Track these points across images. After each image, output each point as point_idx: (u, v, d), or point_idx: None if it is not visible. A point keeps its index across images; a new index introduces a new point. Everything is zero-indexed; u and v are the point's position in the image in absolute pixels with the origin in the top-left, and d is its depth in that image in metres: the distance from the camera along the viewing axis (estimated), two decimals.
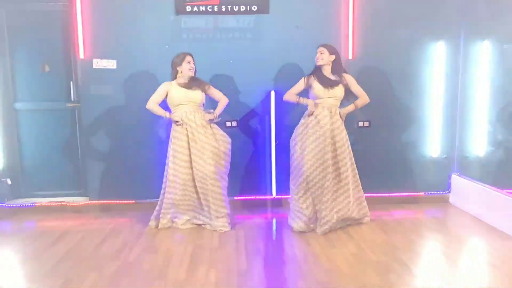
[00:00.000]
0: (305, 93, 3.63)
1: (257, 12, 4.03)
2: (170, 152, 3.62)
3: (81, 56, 3.97)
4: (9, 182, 4.20)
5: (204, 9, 4.01)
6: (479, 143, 4.05)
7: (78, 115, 4.15)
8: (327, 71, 3.56)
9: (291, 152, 3.62)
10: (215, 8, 4.01)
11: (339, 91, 3.53)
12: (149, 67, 4.03)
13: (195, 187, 3.59)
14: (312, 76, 3.57)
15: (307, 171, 3.45)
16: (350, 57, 4.08)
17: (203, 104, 3.68)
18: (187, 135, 3.55)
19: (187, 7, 4.00)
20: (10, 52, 4.11)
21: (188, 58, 3.58)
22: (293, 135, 3.63)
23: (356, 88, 3.62)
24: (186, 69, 3.57)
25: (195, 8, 4.01)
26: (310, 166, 3.45)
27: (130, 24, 3.98)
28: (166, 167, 3.66)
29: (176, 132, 3.59)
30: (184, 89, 3.58)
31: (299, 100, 3.56)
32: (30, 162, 4.25)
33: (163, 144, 4.11)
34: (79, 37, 3.94)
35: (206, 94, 3.68)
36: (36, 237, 3.51)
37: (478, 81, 3.98)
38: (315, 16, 4.06)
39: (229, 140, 3.69)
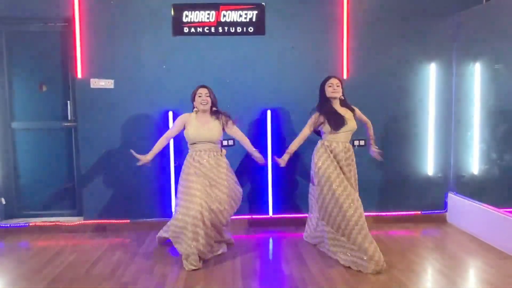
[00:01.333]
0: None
1: (253, 33, 4.10)
2: (181, 191, 3.37)
3: (79, 75, 4.01)
4: (3, 201, 4.16)
5: (201, 30, 4.08)
6: (473, 162, 4.07)
7: (75, 135, 4.16)
8: (337, 104, 3.48)
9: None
10: (212, 29, 4.08)
11: (353, 124, 3.46)
12: (147, 87, 4.07)
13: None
14: (321, 114, 3.44)
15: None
16: (344, 76, 4.14)
17: (220, 141, 3.53)
18: (201, 175, 3.34)
19: (185, 28, 4.07)
20: (9, 71, 4.14)
21: (200, 91, 3.41)
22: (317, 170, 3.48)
23: (363, 117, 3.64)
24: (198, 104, 3.42)
25: (193, 29, 4.07)
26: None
27: (127, 45, 4.03)
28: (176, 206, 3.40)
29: (187, 175, 3.38)
30: (198, 125, 3.40)
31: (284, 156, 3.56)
32: (25, 182, 4.22)
33: (159, 164, 4.12)
34: (77, 56, 3.98)
35: (224, 131, 3.51)
36: (29, 258, 3.46)
37: (471, 101, 4.03)
38: (310, 37, 4.14)
39: (241, 190, 3.58)
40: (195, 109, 3.49)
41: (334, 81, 3.43)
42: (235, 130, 3.56)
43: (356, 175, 3.56)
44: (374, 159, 4.06)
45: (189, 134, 3.41)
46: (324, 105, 3.46)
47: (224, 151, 3.59)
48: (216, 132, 3.43)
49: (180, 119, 3.49)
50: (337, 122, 3.38)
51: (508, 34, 3.68)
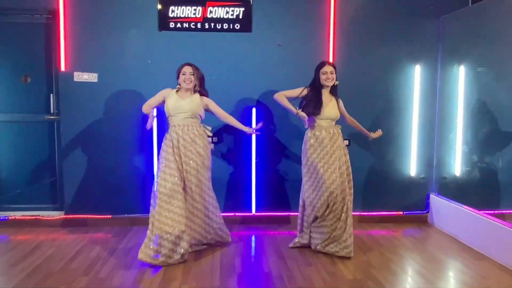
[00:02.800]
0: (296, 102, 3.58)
1: (240, 30, 4.09)
2: (158, 170, 3.33)
3: (62, 68, 3.96)
4: None
5: (187, 26, 4.05)
6: (456, 164, 4.10)
7: (57, 128, 4.11)
8: (326, 92, 3.48)
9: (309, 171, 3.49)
10: (198, 25, 4.06)
11: (334, 112, 3.47)
12: (131, 82, 4.04)
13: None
14: (309, 91, 3.46)
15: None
16: None
17: (201, 117, 3.45)
18: (173, 151, 3.30)
19: (171, 23, 4.04)
20: None
21: (185, 69, 3.35)
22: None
23: (345, 113, 3.63)
24: (181, 82, 3.36)
25: (178, 25, 4.05)
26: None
27: (112, 38, 4.00)
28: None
29: (164, 145, 3.35)
30: (178, 98, 3.35)
31: (298, 112, 3.40)
32: (6, 175, 4.17)
33: (142, 159, 4.10)
34: (60, 49, 3.94)
35: (207, 110, 3.49)
36: (7, 251, 3.42)
37: (455, 102, 4.06)
38: (297, 35, 4.13)
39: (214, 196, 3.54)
40: (177, 86, 3.42)
41: (328, 68, 3.41)
42: (217, 109, 3.50)
43: (348, 163, 3.55)
44: (357, 159, 4.09)
45: (168, 106, 3.33)
46: (313, 89, 3.46)
47: (211, 145, 3.56)
48: (195, 104, 3.34)
49: (161, 92, 3.43)
50: (313, 108, 3.39)
51: (492, 37, 3.71)
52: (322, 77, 3.42)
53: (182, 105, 3.32)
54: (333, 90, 3.52)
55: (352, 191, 3.55)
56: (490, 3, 3.67)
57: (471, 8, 4.07)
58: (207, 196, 3.42)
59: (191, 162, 3.32)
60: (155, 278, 2.94)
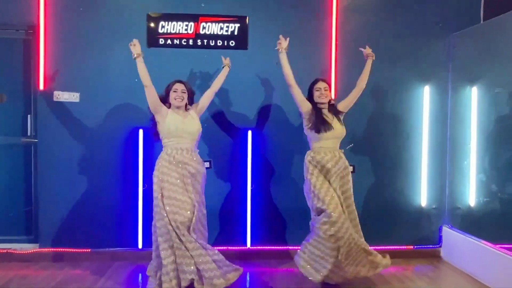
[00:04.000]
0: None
1: (235, 47, 3.81)
2: (159, 193, 2.97)
3: (41, 87, 3.66)
4: None
5: (178, 43, 3.77)
6: (470, 193, 3.75)
7: (34, 152, 3.77)
8: (324, 109, 3.23)
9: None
10: (190, 42, 3.78)
11: (340, 130, 3.21)
12: (116, 102, 3.74)
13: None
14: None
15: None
16: (332, 95, 3.81)
17: (198, 141, 3.20)
18: (182, 178, 2.99)
19: (160, 39, 3.76)
20: None
21: (176, 86, 3.12)
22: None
23: (350, 95, 3.36)
24: (172, 99, 3.09)
25: (169, 41, 3.77)
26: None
27: (96, 55, 3.71)
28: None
29: (165, 175, 2.98)
30: (179, 117, 3.07)
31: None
32: None
33: (126, 187, 3.75)
34: (40, 67, 3.64)
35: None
36: None
37: (468, 126, 3.75)
38: (296, 54, 3.82)
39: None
40: (167, 105, 3.13)
41: (321, 84, 3.22)
42: (205, 99, 3.30)
43: (351, 191, 3.25)
44: (363, 187, 3.79)
45: (170, 124, 3.00)
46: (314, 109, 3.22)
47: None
48: (197, 123, 3.12)
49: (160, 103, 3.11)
50: (320, 124, 3.12)
51: (506, 55, 3.43)
52: (316, 93, 3.22)
53: (188, 126, 3.05)
54: (331, 108, 3.27)
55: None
56: (503, 19, 3.41)
57: (483, 25, 3.83)
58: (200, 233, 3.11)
59: (196, 193, 3.05)
60: None
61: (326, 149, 3.16)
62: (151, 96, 3.07)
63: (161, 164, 3.01)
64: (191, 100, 3.24)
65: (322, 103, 3.20)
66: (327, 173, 3.13)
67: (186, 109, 3.18)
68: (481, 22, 3.90)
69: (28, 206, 3.82)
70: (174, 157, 3.00)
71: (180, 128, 3.02)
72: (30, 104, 3.78)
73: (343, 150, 3.27)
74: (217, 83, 3.34)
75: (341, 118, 3.29)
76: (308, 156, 3.21)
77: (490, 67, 3.65)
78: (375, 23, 3.91)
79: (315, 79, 3.28)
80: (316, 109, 3.21)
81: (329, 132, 3.13)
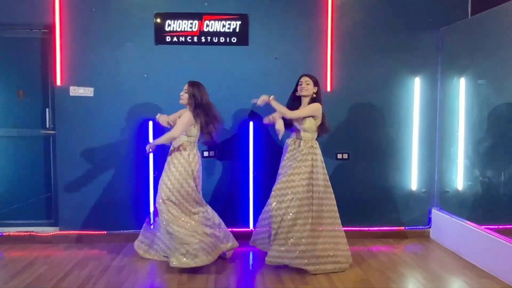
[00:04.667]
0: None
1: (237, 43, 4.05)
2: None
3: (58, 83, 3.94)
4: None
5: (183, 40, 4.03)
6: (458, 178, 4.00)
7: (53, 143, 4.07)
8: (304, 103, 3.49)
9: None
10: (195, 39, 4.04)
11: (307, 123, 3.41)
12: (127, 96, 4.00)
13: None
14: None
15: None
16: (328, 89, 4.09)
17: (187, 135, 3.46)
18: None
19: (167, 37, 4.02)
20: None
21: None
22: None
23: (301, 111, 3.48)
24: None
25: (175, 39, 4.02)
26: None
27: (109, 53, 3.98)
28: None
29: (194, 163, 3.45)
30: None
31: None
32: (1, 190, 4.12)
33: (138, 174, 4.04)
34: (56, 64, 3.92)
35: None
36: None
37: (456, 115, 3.98)
38: (294, 49, 4.09)
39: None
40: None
41: (303, 79, 3.46)
42: (179, 119, 3.44)
43: (293, 175, 3.36)
44: (357, 173, 4.02)
45: (196, 132, 3.48)
46: (288, 101, 3.56)
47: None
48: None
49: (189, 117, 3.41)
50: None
51: (492, 49, 3.65)
52: (298, 88, 3.49)
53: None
54: (314, 101, 3.47)
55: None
56: (490, 14, 3.62)
57: (470, 19, 4.03)
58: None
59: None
60: None
61: (293, 136, 3.52)
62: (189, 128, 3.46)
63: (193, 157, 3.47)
64: (192, 102, 3.40)
65: (304, 96, 3.45)
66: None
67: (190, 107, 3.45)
68: (469, 17, 4.09)
69: (47, 193, 4.14)
70: (197, 155, 3.52)
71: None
72: (48, 99, 4.07)
73: (314, 142, 3.45)
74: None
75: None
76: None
77: (477, 59, 3.85)
78: (368, 19, 4.12)
79: (300, 76, 3.52)
80: (293, 101, 3.53)
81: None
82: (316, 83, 3.47)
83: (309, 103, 3.44)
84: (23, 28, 4.00)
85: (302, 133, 3.43)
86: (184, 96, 3.43)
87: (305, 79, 3.45)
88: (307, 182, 3.32)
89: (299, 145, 3.43)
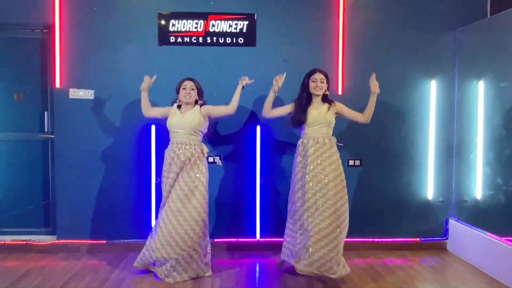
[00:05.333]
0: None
1: (244, 44, 3.89)
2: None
3: (57, 85, 3.79)
4: None
5: (188, 40, 3.87)
6: (477, 186, 3.79)
7: (52, 147, 3.91)
8: (317, 99, 3.27)
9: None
10: (200, 39, 3.87)
11: (323, 116, 3.22)
12: (129, 99, 3.83)
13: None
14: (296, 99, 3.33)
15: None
16: (340, 92, 3.90)
17: (202, 133, 3.32)
18: (169, 169, 3.22)
19: (171, 37, 3.86)
20: None
21: (185, 83, 3.29)
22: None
23: (351, 112, 3.37)
24: (182, 96, 3.29)
25: (179, 39, 3.86)
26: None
27: (110, 54, 3.82)
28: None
29: (164, 169, 3.30)
30: (179, 113, 3.28)
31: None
32: None
33: (139, 180, 3.87)
34: (56, 65, 3.77)
35: (210, 118, 3.35)
36: None
37: (474, 120, 3.78)
38: (304, 51, 3.92)
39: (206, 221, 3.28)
40: (178, 101, 3.33)
41: (318, 76, 3.22)
42: (218, 109, 3.35)
43: (335, 182, 3.14)
44: (370, 181, 3.86)
45: (170, 121, 3.28)
46: (301, 96, 3.29)
47: (205, 149, 3.34)
48: (195, 119, 3.22)
49: (167, 107, 3.39)
50: (299, 114, 3.22)
51: None
52: (311, 84, 3.24)
53: (182, 120, 3.24)
54: (325, 99, 3.29)
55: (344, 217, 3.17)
56: (510, 13, 3.42)
57: (489, 19, 3.84)
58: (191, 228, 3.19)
59: (182, 183, 3.18)
60: None
61: (310, 137, 3.21)
62: (155, 115, 3.41)
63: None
64: (201, 97, 3.36)
65: (317, 95, 3.24)
66: (305, 158, 3.19)
67: (195, 105, 3.32)
68: (488, 16, 3.90)
69: (45, 200, 3.97)
70: (168, 151, 3.26)
71: (176, 122, 3.24)
72: (47, 101, 3.92)
73: (334, 138, 3.27)
74: (229, 107, 3.33)
75: (331, 108, 3.26)
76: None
77: (497, 61, 3.66)
78: (382, 18, 3.94)
79: (312, 70, 3.28)
80: (306, 98, 3.25)
81: (309, 120, 3.18)
82: (328, 80, 3.31)
83: (323, 100, 3.28)
84: (21, 28, 3.86)
85: (329, 129, 3.25)
86: (193, 93, 3.28)
87: (320, 76, 3.24)
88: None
89: (324, 143, 3.19)
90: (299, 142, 3.30)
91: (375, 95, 3.30)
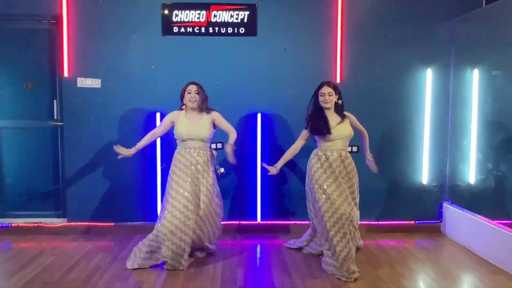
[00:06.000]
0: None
1: (245, 34, 4.00)
2: (170, 186, 3.28)
3: (66, 74, 3.93)
4: None
5: (191, 30, 3.98)
6: (470, 171, 3.92)
7: (61, 134, 4.07)
8: (331, 112, 3.30)
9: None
10: (202, 30, 3.99)
11: (347, 130, 3.30)
12: (134, 87, 3.98)
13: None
14: (310, 115, 3.32)
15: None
16: (338, 80, 4.02)
17: (210, 139, 3.42)
18: (190, 175, 3.25)
19: (174, 27, 3.97)
20: None
21: (190, 87, 3.31)
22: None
23: (358, 125, 3.46)
24: (187, 101, 3.31)
25: (182, 29, 3.98)
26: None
27: (116, 44, 3.95)
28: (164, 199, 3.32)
29: (176, 169, 3.29)
30: (189, 122, 3.29)
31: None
32: (9, 181, 4.14)
33: (145, 166, 4.02)
34: (64, 55, 3.90)
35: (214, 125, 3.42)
36: (7, 259, 3.37)
37: (469, 108, 3.89)
38: (303, 40, 4.03)
39: (221, 204, 3.51)
40: (183, 106, 3.37)
41: (326, 89, 3.24)
42: (222, 122, 3.42)
43: (356, 188, 3.35)
44: (367, 167, 3.96)
45: (179, 131, 3.28)
46: (313, 113, 3.31)
47: (215, 152, 3.50)
48: (206, 129, 3.30)
49: (168, 117, 3.36)
50: (320, 127, 3.21)
51: (507, 39, 3.54)
52: (320, 98, 3.26)
53: (196, 132, 3.28)
54: (338, 110, 3.33)
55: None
56: (505, 3, 3.51)
57: (484, 9, 3.92)
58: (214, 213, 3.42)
59: (205, 182, 3.31)
60: None
61: (333, 149, 3.25)
62: (163, 132, 3.41)
63: (176, 160, 3.33)
64: (204, 101, 3.36)
65: (327, 108, 3.27)
66: (332, 169, 3.23)
67: (200, 111, 3.34)
68: (483, 6, 3.97)
69: (56, 184, 4.14)
70: (182, 155, 3.29)
71: (189, 132, 3.27)
72: (56, 90, 4.06)
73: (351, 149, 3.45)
74: (228, 132, 3.43)
75: (349, 119, 3.35)
76: (313, 154, 3.33)
77: (491, 50, 3.75)
78: (379, 9, 4.03)
79: (320, 83, 3.29)
80: (320, 112, 3.27)
81: (333, 134, 3.21)
82: (337, 92, 3.29)
83: (336, 111, 3.32)
84: (30, 19, 3.98)
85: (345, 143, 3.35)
86: (198, 97, 3.31)
87: (328, 90, 3.23)
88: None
89: (348, 156, 3.33)
90: (318, 154, 3.30)
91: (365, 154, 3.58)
